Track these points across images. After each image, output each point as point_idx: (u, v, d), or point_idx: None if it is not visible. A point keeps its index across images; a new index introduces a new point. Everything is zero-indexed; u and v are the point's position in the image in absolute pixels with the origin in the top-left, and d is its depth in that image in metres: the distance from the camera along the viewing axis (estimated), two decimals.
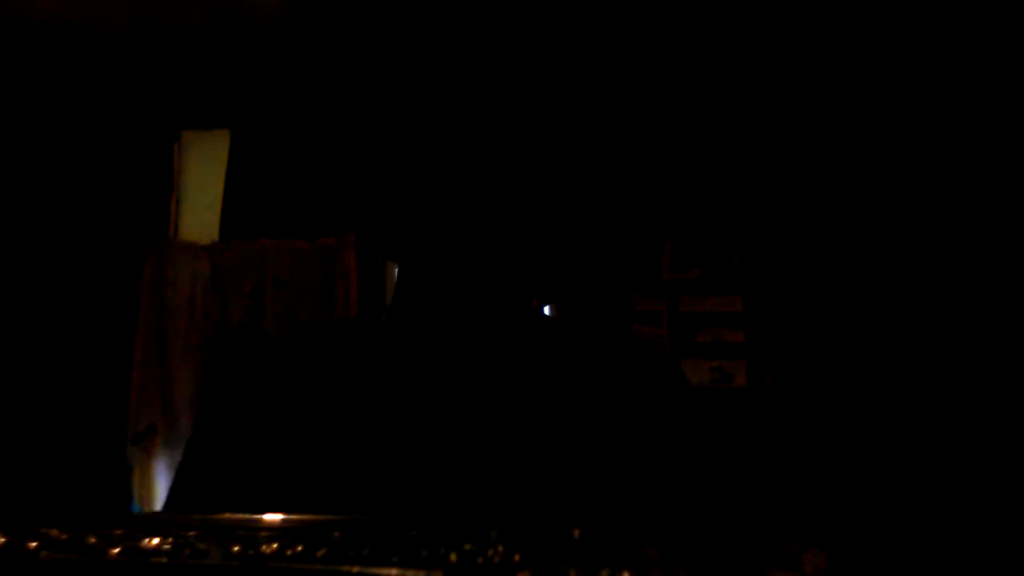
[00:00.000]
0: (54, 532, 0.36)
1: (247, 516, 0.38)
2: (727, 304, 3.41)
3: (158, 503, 3.10)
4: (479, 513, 0.53)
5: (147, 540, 0.36)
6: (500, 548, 0.34)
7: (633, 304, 3.46)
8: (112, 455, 3.16)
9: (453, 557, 0.34)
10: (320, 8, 2.79)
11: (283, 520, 0.37)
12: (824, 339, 3.21)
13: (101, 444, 3.16)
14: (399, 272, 0.79)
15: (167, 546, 0.36)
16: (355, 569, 0.34)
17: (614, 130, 3.24)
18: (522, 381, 0.74)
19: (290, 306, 3.24)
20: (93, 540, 0.36)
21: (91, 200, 3.35)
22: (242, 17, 2.82)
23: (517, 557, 0.34)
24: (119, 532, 0.36)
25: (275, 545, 0.35)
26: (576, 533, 0.35)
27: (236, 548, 0.35)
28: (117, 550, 0.36)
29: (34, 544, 0.36)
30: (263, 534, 0.36)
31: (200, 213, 3.44)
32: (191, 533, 0.36)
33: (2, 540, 0.36)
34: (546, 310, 0.84)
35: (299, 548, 0.35)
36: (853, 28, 2.83)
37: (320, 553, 0.35)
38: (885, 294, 3.17)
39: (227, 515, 0.38)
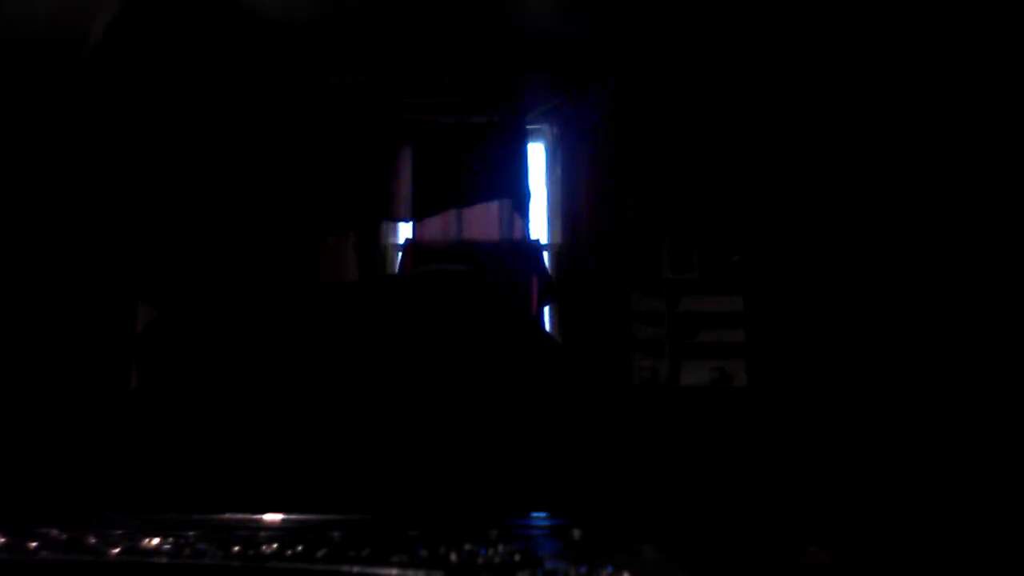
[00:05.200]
0: (54, 532, 0.36)
1: (247, 516, 0.38)
2: (727, 304, 3.40)
3: None
4: (478, 512, 0.53)
5: (147, 540, 0.36)
6: (500, 548, 0.34)
7: (633, 304, 3.45)
8: (112, 455, 3.16)
9: (453, 557, 0.34)
10: (320, 7, 2.79)
11: (283, 520, 0.37)
12: (824, 339, 3.21)
13: (101, 444, 3.15)
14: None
15: (167, 546, 0.36)
16: (355, 569, 0.34)
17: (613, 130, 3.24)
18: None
19: None
20: (93, 540, 0.36)
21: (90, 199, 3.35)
22: (242, 16, 2.81)
23: (517, 557, 0.34)
24: (119, 532, 0.36)
25: (275, 545, 0.35)
26: (576, 533, 0.35)
27: (236, 548, 0.35)
28: (117, 550, 0.36)
29: (34, 544, 0.36)
30: (263, 534, 0.36)
31: None
32: (191, 533, 0.36)
33: (2, 540, 0.36)
34: (546, 311, 0.85)
35: (299, 548, 0.35)
36: (852, 29, 2.83)
37: (320, 553, 0.35)
38: (885, 294, 3.17)
39: (227, 515, 0.38)
